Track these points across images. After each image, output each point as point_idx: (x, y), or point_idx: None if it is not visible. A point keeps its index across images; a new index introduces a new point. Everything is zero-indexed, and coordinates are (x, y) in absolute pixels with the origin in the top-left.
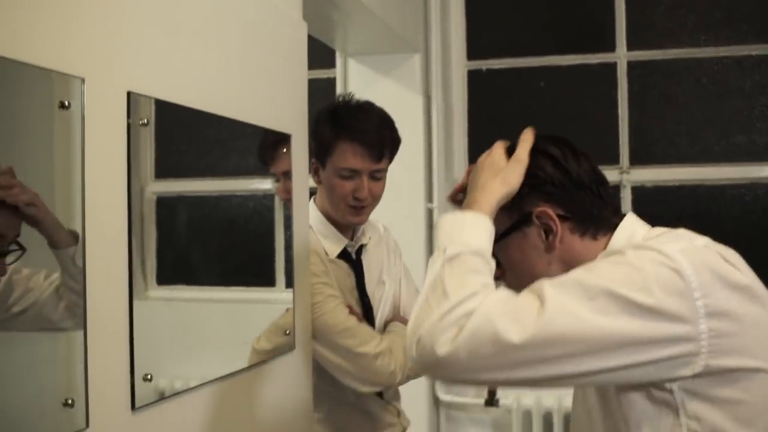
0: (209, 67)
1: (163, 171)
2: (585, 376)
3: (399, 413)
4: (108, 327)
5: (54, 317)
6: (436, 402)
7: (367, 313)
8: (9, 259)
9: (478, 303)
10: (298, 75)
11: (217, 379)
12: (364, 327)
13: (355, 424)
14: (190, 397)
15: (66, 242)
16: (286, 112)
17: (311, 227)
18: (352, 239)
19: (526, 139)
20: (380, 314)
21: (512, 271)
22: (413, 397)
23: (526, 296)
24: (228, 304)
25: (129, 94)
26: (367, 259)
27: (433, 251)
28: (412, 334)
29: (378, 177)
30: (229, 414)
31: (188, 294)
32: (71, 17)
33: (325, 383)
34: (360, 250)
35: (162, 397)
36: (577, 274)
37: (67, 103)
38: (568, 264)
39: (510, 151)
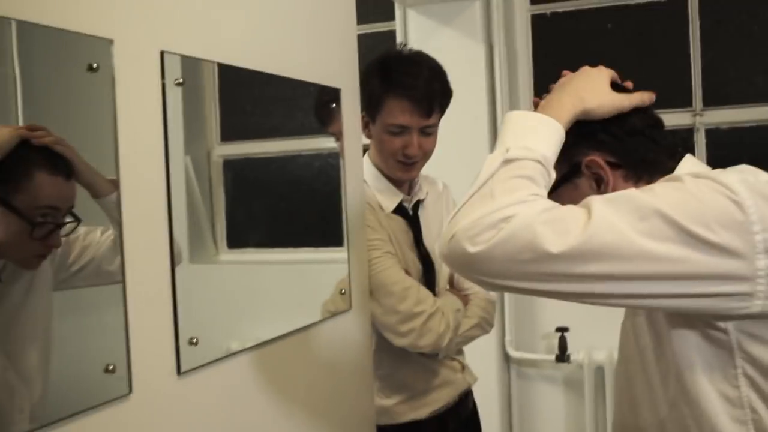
0: (250, 21)
1: (225, 134)
2: (626, 298)
3: (463, 368)
4: (149, 290)
5: (113, 269)
6: (507, 358)
7: (427, 269)
8: (64, 230)
9: (522, 210)
10: (346, 26)
11: (266, 342)
12: (420, 286)
13: (416, 379)
14: (238, 360)
15: (107, 189)
16: (334, 65)
17: (366, 182)
18: (408, 194)
19: (638, 96)
20: (442, 272)
21: None
22: (484, 353)
23: (575, 208)
24: (297, 265)
25: (162, 53)
26: (425, 215)
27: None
28: (448, 230)
29: (428, 132)
30: (279, 377)
31: (257, 257)
32: None
33: (385, 339)
34: (417, 205)
35: (208, 361)
36: (632, 191)
37: (95, 66)
38: None
39: (615, 86)
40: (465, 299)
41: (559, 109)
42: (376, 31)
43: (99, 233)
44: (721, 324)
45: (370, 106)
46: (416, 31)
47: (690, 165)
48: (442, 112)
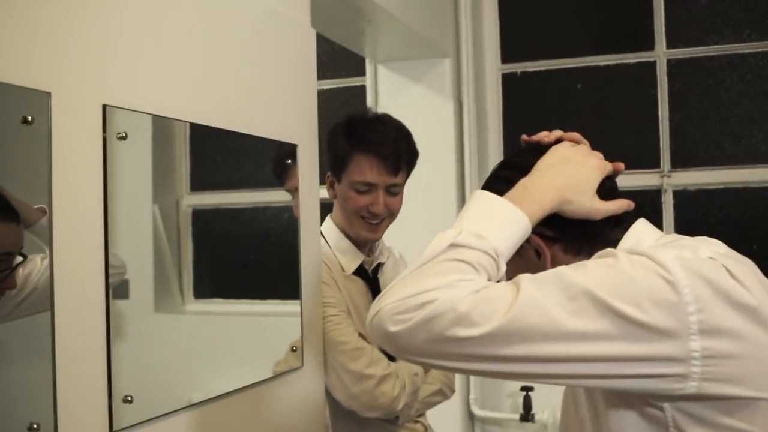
0: (202, 76)
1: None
2: (556, 378)
3: (426, 430)
4: (81, 343)
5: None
6: (471, 417)
7: None
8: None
9: (447, 293)
10: (306, 83)
11: (211, 399)
12: (373, 348)
13: None
14: (178, 419)
15: (36, 216)
16: (292, 121)
17: (327, 243)
18: (369, 256)
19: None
20: None
21: None
22: (448, 412)
23: (503, 287)
24: (257, 317)
25: (105, 107)
26: (384, 279)
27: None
28: (375, 306)
29: (394, 192)
30: None
31: (222, 308)
32: (36, 28)
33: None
34: (377, 268)
35: (145, 420)
36: (562, 270)
37: (30, 119)
38: None
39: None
40: None
41: (538, 203)
42: (347, 86)
43: (39, 260)
44: (658, 402)
45: (337, 165)
46: (386, 87)
47: (640, 231)
48: (408, 172)
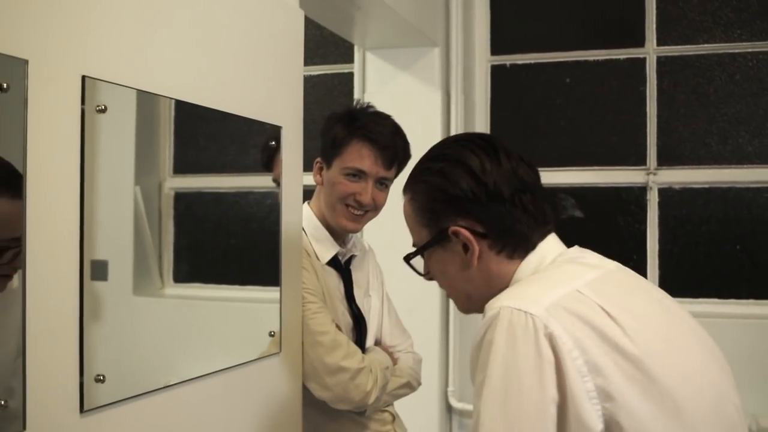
0: (187, 50)
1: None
2: None
3: (394, 419)
4: (53, 319)
5: None
6: (449, 409)
7: (357, 325)
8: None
9: None
10: (292, 65)
11: (185, 382)
12: (349, 341)
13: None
14: (151, 401)
15: None
16: (277, 103)
17: (304, 230)
18: (343, 248)
19: None
20: (371, 326)
21: (436, 276)
22: (426, 404)
23: None
24: (236, 303)
25: (84, 78)
26: (356, 270)
27: None
28: None
29: (383, 186)
30: (195, 422)
31: (202, 293)
32: None
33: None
34: (349, 260)
35: (117, 400)
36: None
37: (5, 86)
38: (487, 280)
39: None
40: (393, 357)
41: None
42: (334, 73)
43: None
44: None
45: (331, 150)
46: (374, 75)
47: (546, 247)
48: (399, 170)
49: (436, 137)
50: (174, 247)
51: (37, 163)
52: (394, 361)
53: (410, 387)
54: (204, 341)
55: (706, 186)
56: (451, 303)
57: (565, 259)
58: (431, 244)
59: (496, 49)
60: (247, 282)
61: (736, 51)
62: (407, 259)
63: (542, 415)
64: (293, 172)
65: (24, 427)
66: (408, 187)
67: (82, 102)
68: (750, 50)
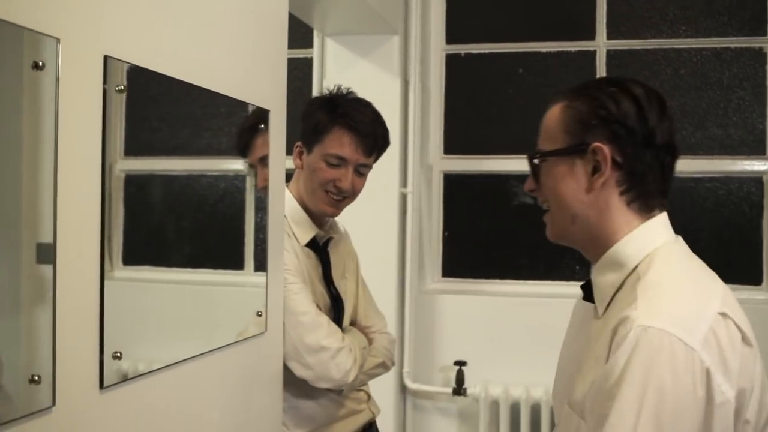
0: (190, 34)
1: (133, 147)
2: None
3: (369, 398)
4: (78, 303)
5: None
6: (404, 390)
7: (336, 304)
8: None
9: None
10: (278, 51)
11: (186, 360)
12: (329, 321)
13: (321, 411)
14: (158, 377)
15: None
16: (265, 87)
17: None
18: (322, 230)
19: None
20: (348, 307)
21: (547, 191)
22: (380, 384)
23: None
24: (195, 285)
25: (106, 57)
26: (333, 252)
27: (405, 236)
28: None
29: (362, 172)
30: (198, 394)
31: (154, 275)
32: None
33: (289, 371)
34: (327, 242)
35: (129, 377)
36: None
37: (40, 64)
38: (599, 213)
39: None
40: (368, 338)
41: None
42: (293, 57)
43: None
44: None
45: (312, 135)
46: (334, 61)
47: (653, 227)
48: (377, 157)
49: (395, 124)
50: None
51: (67, 141)
52: (370, 342)
53: (385, 366)
54: (200, 322)
55: None
56: (408, 286)
57: (686, 254)
58: (567, 152)
59: (451, 38)
60: (226, 267)
61: (681, 47)
62: (534, 156)
63: None
64: (278, 156)
65: (53, 403)
66: (566, 96)
67: (104, 82)
68: (694, 46)
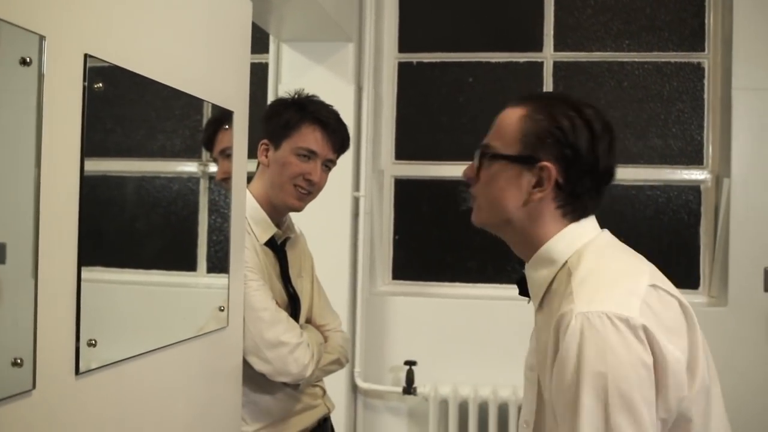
0: (161, 36)
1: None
2: None
3: (324, 393)
4: (57, 288)
5: None
6: (355, 389)
7: (293, 301)
8: None
9: None
10: (241, 54)
11: (153, 351)
12: (288, 317)
13: (278, 406)
14: (129, 366)
15: None
16: (230, 89)
17: None
18: (280, 229)
19: None
20: (303, 305)
21: (485, 187)
22: (332, 383)
23: None
24: (152, 287)
25: (86, 56)
26: (290, 251)
27: (357, 239)
28: None
29: (328, 167)
30: (164, 384)
31: (112, 276)
32: None
33: (248, 366)
34: (285, 241)
35: (103, 365)
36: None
37: (28, 60)
38: (532, 221)
39: None
40: (324, 336)
41: None
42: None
43: None
44: None
45: (280, 132)
46: (289, 67)
47: (581, 229)
48: (339, 155)
49: (348, 129)
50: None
51: (50, 137)
52: (325, 339)
53: (340, 363)
54: (165, 317)
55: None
56: (359, 287)
57: (608, 242)
58: (517, 161)
59: (404, 47)
60: (179, 268)
61: (625, 60)
62: (485, 151)
63: (646, 408)
64: (241, 156)
65: (34, 386)
66: (529, 104)
67: (84, 79)
68: (637, 60)
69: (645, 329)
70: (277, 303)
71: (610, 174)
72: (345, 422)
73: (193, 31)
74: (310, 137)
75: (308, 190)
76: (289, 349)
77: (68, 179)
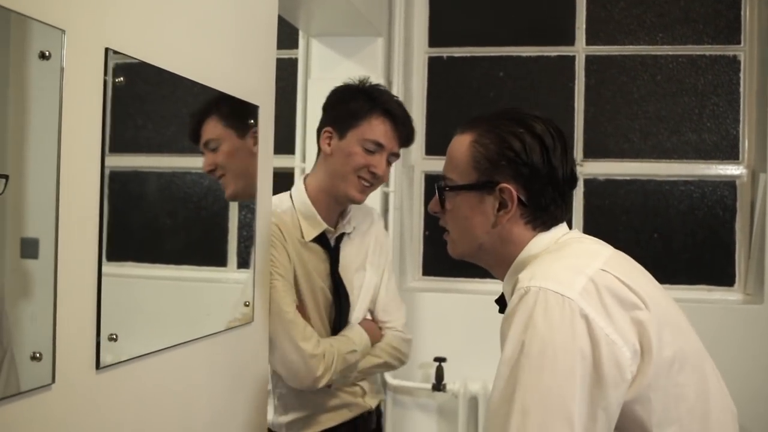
0: (184, 30)
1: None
2: None
3: (365, 393)
4: (77, 282)
5: None
6: (384, 385)
7: (340, 301)
8: None
9: None
10: (267, 48)
11: (177, 345)
12: (306, 325)
13: (314, 399)
14: (150, 361)
15: None
16: (256, 83)
17: (294, 206)
18: (334, 226)
19: None
20: (359, 303)
21: (453, 218)
22: None
23: None
24: (177, 282)
25: (107, 50)
26: (348, 245)
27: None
28: None
29: (391, 161)
30: (187, 379)
31: (138, 272)
32: None
33: None
34: (341, 237)
35: (124, 359)
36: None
37: (47, 54)
38: (504, 241)
39: None
40: (379, 334)
41: None
42: (278, 58)
43: None
44: None
45: (345, 120)
46: (319, 61)
47: (557, 228)
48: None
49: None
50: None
51: (70, 130)
52: (378, 338)
53: (388, 366)
54: (189, 312)
55: (628, 178)
56: None
57: (574, 237)
58: (474, 188)
59: (434, 41)
60: (209, 263)
61: (658, 53)
62: (443, 188)
63: (572, 388)
64: (266, 151)
65: (53, 380)
66: (476, 129)
67: (105, 73)
68: (671, 53)
69: (582, 311)
70: (303, 302)
71: (572, 178)
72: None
73: (218, 25)
74: (379, 129)
75: (371, 183)
76: (302, 358)
77: (89, 174)
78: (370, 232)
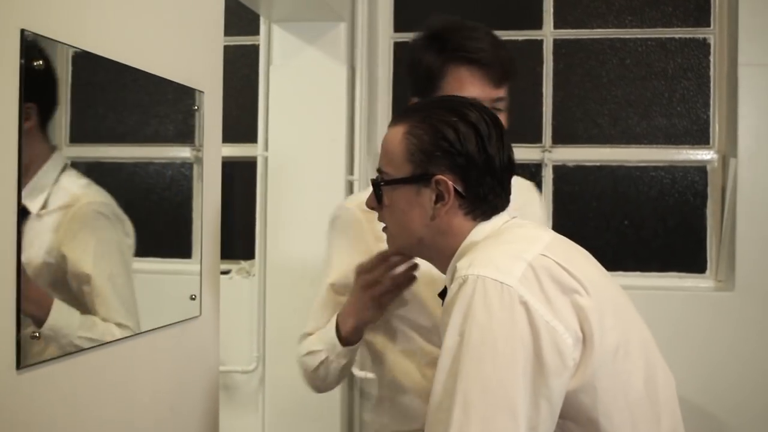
0: (115, 10)
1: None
2: None
3: None
4: None
5: None
6: (351, 378)
7: None
8: None
9: None
10: (213, 32)
11: (113, 342)
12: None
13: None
14: (84, 358)
15: None
16: (200, 69)
17: None
18: None
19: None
20: None
21: (390, 213)
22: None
23: None
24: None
25: (23, 32)
26: None
27: None
28: None
29: (499, 108)
30: (128, 376)
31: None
32: None
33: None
34: None
35: (50, 358)
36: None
37: None
38: (444, 233)
39: None
40: None
41: None
42: (240, 44)
43: None
44: None
45: (424, 84)
46: (280, 48)
47: (498, 217)
48: (508, 84)
49: (341, 111)
50: None
51: None
52: None
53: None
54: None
55: (598, 164)
56: None
57: (515, 224)
58: (409, 182)
59: (399, 26)
60: (171, 255)
61: (627, 37)
62: (379, 182)
63: (514, 377)
64: (213, 140)
65: None
66: (409, 120)
67: (21, 57)
68: (639, 36)
69: (521, 298)
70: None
71: (510, 166)
72: None
73: (155, 6)
74: (464, 82)
75: None
76: (303, 363)
77: (4, 162)
78: (531, 204)
